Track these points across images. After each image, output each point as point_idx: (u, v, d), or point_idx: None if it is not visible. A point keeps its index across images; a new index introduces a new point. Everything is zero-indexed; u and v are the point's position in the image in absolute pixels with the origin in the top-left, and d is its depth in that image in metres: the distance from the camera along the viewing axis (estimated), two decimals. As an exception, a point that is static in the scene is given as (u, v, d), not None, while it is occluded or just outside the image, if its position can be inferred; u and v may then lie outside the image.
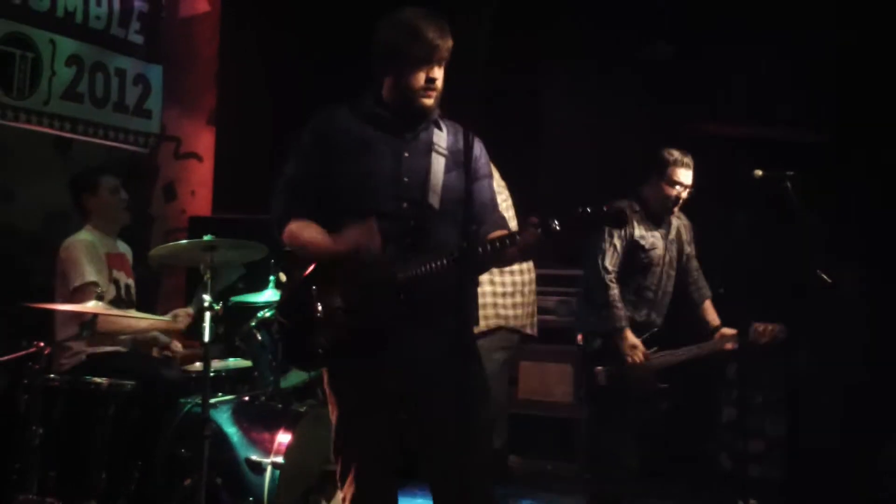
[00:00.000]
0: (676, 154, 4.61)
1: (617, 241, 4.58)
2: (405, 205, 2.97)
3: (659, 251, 4.68)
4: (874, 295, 5.37)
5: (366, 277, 2.88)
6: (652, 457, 4.98)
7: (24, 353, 3.90)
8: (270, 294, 4.59)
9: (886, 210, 5.38)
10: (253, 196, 6.20)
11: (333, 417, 3.06)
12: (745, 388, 5.83)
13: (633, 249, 4.62)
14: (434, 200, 2.99)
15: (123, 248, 4.82)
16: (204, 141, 6.46)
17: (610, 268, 4.55)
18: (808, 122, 5.90)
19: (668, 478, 5.50)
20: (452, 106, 3.13)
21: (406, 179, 2.99)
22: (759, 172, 4.23)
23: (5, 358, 3.95)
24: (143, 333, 4.71)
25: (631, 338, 4.54)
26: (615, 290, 4.54)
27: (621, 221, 2.96)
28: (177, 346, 4.89)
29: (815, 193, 4.23)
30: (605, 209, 2.82)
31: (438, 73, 2.96)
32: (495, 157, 3.84)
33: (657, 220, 4.71)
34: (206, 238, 4.03)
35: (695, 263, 4.88)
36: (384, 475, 3.04)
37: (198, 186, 6.42)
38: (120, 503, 4.08)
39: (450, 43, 2.94)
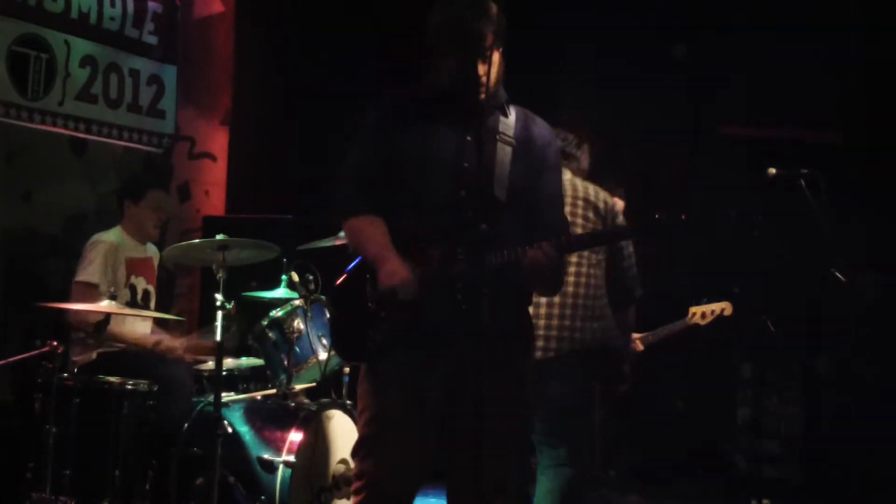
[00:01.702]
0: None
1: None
2: (463, 193, 2.77)
3: None
4: (891, 295, 5.33)
5: (424, 274, 2.74)
6: (668, 457, 4.98)
7: (37, 352, 3.92)
8: (282, 293, 4.60)
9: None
10: (266, 196, 6.26)
11: (362, 418, 2.90)
12: (760, 389, 5.80)
13: None
14: (500, 192, 2.79)
15: (152, 250, 4.84)
16: (218, 141, 6.48)
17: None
18: (825, 123, 5.87)
19: (683, 477, 5.48)
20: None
21: (466, 165, 2.78)
22: (772, 171, 4.20)
23: (19, 357, 3.98)
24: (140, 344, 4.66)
25: None
26: None
27: (707, 228, 2.85)
28: (174, 344, 4.74)
29: (831, 194, 4.21)
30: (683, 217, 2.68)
31: (484, 68, 2.74)
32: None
33: None
34: (218, 237, 4.04)
35: None
36: (403, 485, 2.89)
37: (211, 186, 6.44)
38: (134, 502, 4.10)
39: (494, 28, 2.75)
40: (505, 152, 2.82)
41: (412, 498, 2.93)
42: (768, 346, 4.99)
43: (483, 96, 2.77)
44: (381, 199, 2.84)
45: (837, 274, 4.17)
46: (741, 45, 5.96)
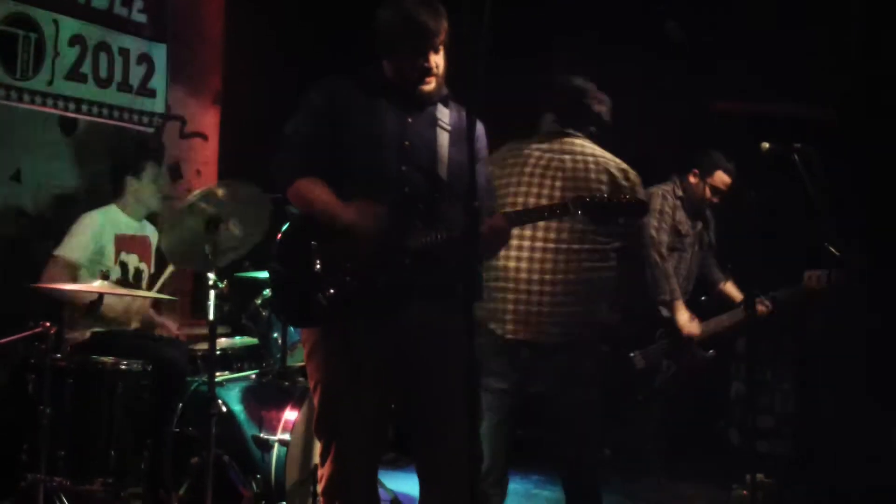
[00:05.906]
0: (723, 161, 4.84)
1: (667, 220, 4.74)
2: (404, 168, 2.96)
3: (690, 239, 4.87)
4: (883, 270, 5.33)
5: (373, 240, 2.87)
6: (661, 432, 4.99)
7: (30, 332, 3.92)
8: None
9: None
10: (258, 175, 6.21)
11: (317, 391, 2.99)
12: (754, 364, 5.81)
13: (672, 233, 4.79)
14: (442, 172, 2.99)
15: (149, 230, 4.84)
16: (209, 120, 6.45)
17: (663, 241, 4.68)
18: (818, 98, 5.85)
19: (676, 452, 5.50)
20: (457, 91, 3.10)
21: (407, 143, 2.99)
22: (765, 145, 4.20)
23: (12, 338, 3.97)
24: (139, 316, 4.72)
25: (685, 310, 4.65)
26: (668, 263, 4.66)
27: (642, 213, 3.12)
28: (171, 325, 4.90)
29: (825, 170, 4.20)
30: (625, 198, 3.02)
31: (435, 60, 2.96)
32: (504, 141, 3.83)
33: (694, 212, 4.90)
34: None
35: (712, 253, 5.07)
36: (369, 454, 3.00)
37: (203, 165, 6.42)
38: (129, 482, 4.11)
39: (445, 25, 2.93)
40: (443, 137, 3.02)
41: (374, 471, 3.04)
42: (761, 320, 4.99)
43: (433, 87, 2.98)
44: (324, 170, 2.97)
45: (830, 248, 4.18)
46: (735, 20, 5.92)
